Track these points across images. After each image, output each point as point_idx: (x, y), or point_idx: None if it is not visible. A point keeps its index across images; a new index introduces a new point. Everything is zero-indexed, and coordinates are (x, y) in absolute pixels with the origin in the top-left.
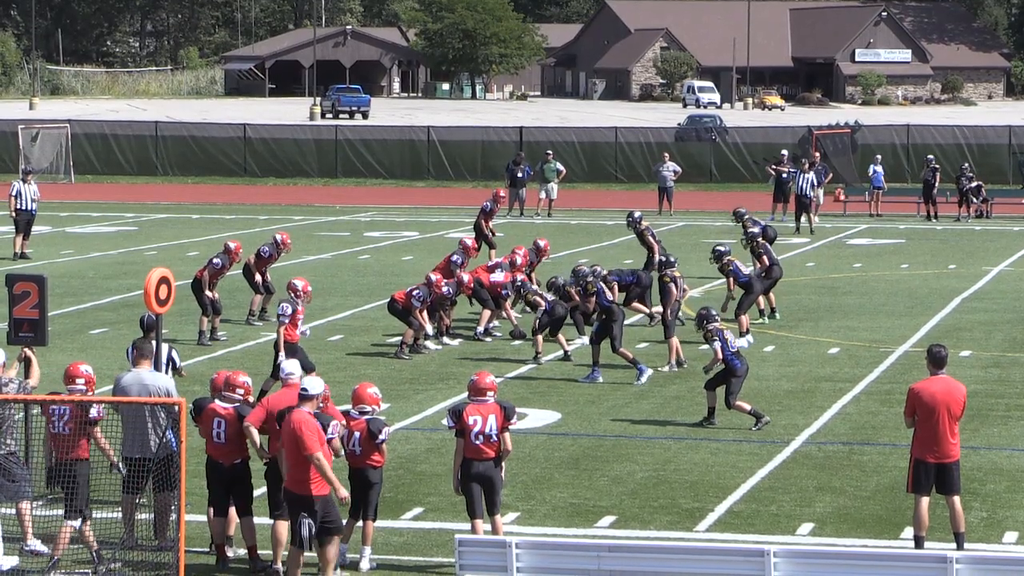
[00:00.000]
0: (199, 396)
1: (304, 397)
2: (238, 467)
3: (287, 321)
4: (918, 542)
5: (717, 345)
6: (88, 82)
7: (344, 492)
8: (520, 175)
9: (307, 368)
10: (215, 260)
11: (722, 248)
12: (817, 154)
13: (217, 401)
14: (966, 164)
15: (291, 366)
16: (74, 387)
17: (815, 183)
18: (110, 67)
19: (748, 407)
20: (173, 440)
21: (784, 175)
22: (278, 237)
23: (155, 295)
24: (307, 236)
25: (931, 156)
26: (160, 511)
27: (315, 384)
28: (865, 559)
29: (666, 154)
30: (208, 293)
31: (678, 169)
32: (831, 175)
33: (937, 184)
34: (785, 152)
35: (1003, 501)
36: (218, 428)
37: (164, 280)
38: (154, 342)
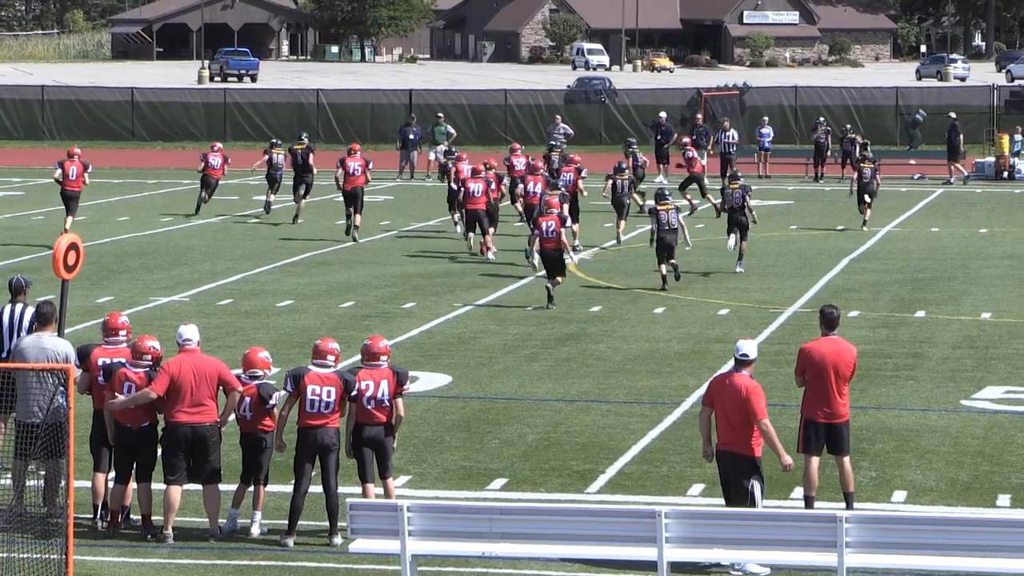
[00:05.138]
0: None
1: (744, 362)
2: (145, 430)
3: None
4: (808, 502)
5: None
6: None
7: (788, 459)
8: (412, 137)
9: None
10: None
11: None
12: (699, 117)
13: (127, 366)
14: (848, 125)
15: (188, 331)
16: (116, 339)
17: (736, 140)
18: None
19: None
20: (64, 406)
21: (660, 137)
22: None
23: (63, 261)
24: (196, 200)
25: (822, 119)
26: (50, 478)
27: (752, 347)
28: (755, 519)
29: (558, 116)
30: None
31: (570, 131)
32: (712, 138)
33: (830, 146)
34: (663, 114)
35: (892, 460)
36: (127, 392)
37: (73, 246)
38: (57, 306)
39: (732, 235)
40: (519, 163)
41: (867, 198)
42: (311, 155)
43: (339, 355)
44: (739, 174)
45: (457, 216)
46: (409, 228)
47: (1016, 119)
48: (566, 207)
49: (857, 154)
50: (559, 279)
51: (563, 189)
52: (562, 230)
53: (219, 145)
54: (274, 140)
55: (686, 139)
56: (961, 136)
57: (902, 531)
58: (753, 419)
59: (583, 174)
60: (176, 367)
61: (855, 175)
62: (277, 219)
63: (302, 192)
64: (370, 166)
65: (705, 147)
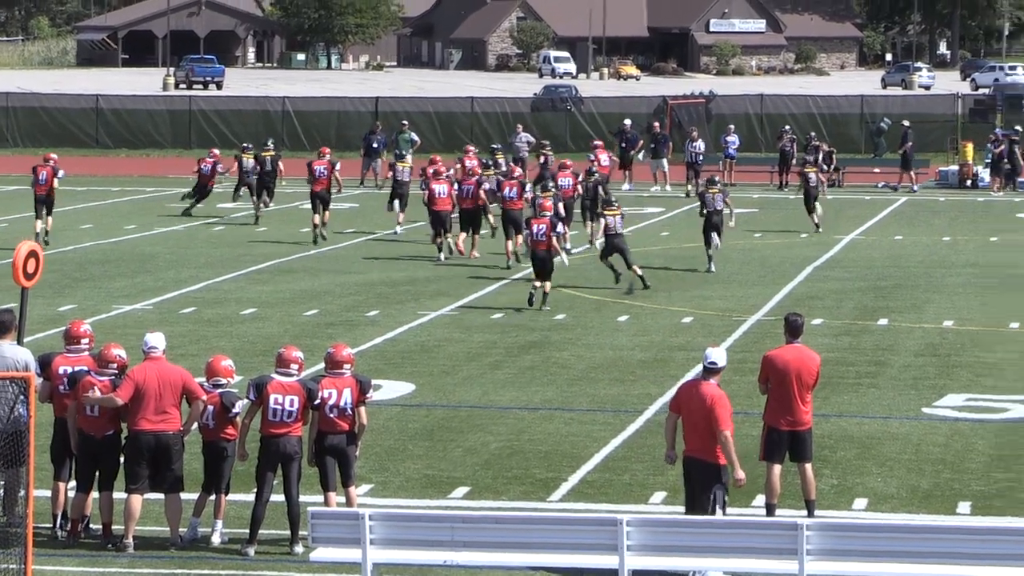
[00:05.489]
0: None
1: (712, 370)
2: (109, 439)
3: None
4: (770, 509)
5: None
6: None
7: (741, 474)
8: (375, 145)
9: None
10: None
11: None
12: (657, 125)
13: (92, 374)
14: (812, 132)
15: (154, 339)
16: (78, 347)
17: (702, 150)
18: None
19: None
20: (24, 414)
21: (624, 144)
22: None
23: (23, 268)
24: (160, 207)
25: (788, 127)
26: (9, 487)
27: (721, 356)
28: (717, 527)
29: (520, 125)
30: None
31: (532, 139)
32: (671, 145)
33: (795, 154)
34: (628, 121)
35: (853, 468)
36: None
37: (32, 254)
38: (17, 314)
39: (707, 235)
40: (470, 165)
41: (813, 202)
42: (279, 162)
43: (303, 364)
44: (716, 179)
45: (402, 216)
46: (373, 236)
47: (980, 128)
48: (560, 205)
49: (820, 160)
50: (547, 284)
51: (559, 192)
52: (553, 233)
53: (216, 151)
54: (245, 145)
55: (597, 141)
56: (910, 144)
57: (863, 539)
58: (715, 428)
59: (580, 178)
60: (141, 375)
61: (800, 179)
62: (242, 224)
63: (265, 197)
64: (336, 167)
65: (664, 155)
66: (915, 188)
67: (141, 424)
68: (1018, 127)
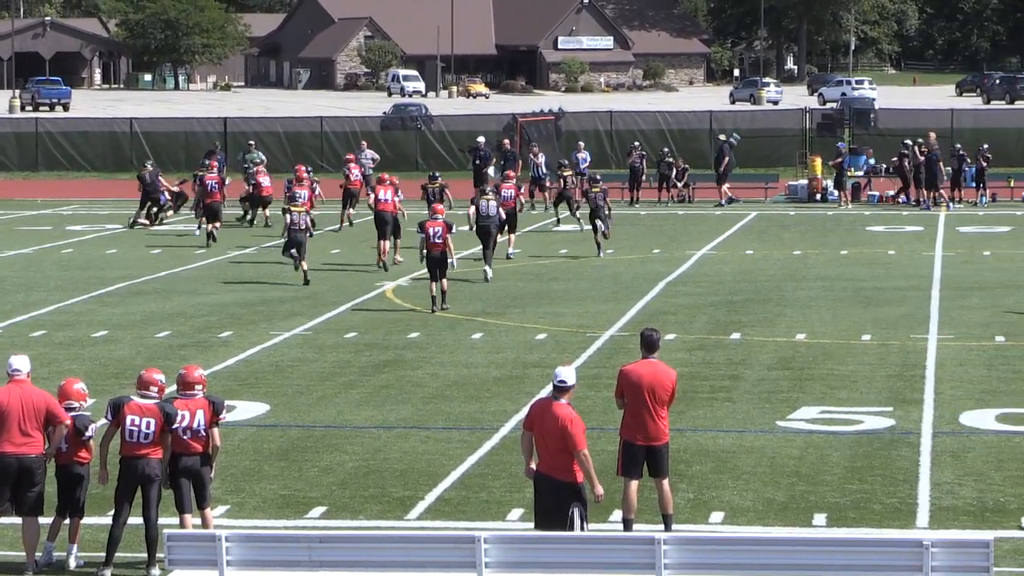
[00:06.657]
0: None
1: (562, 389)
2: None
3: None
4: (627, 524)
5: None
6: None
7: (601, 489)
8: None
9: None
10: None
11: None
12: (507, 142)
13: None
14: (666, 148)
15: (18, 362)
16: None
17: (547, 166)
18: None
19: None
20: None
21: (478, 162)
22: None
23: None
24: (8, 231)
25: (637, 143)
26: None
27: (570, 374)
28: (574, 542)
29: (364, 142)
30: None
31: (376, 156)
32: (520, 162)
33: (645, 170)
34: (482, 139)
35: (709, 482)
36: None
37: None
38: None
39: (593, 223)
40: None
41: (599, 223)
42: (159, 176)
43: (163, 386)
44: (598, 177)
45: (203, 221)
46: (225, 256)
47: (827, 141)
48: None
49: (674, 176)
50: (444, 282)
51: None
52: (448, 235)
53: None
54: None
55: (349, 155)
56: (727, 159)
57: (720, 552)
58: (572, 449)
59: (522, 190)
60: (5, 396)
61: (583, 200)
62: (90, 250)
63: (154, 210)
64: (227, 183)
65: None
66: (723, 203)
67: (4, 447)
68: (920, 139)
